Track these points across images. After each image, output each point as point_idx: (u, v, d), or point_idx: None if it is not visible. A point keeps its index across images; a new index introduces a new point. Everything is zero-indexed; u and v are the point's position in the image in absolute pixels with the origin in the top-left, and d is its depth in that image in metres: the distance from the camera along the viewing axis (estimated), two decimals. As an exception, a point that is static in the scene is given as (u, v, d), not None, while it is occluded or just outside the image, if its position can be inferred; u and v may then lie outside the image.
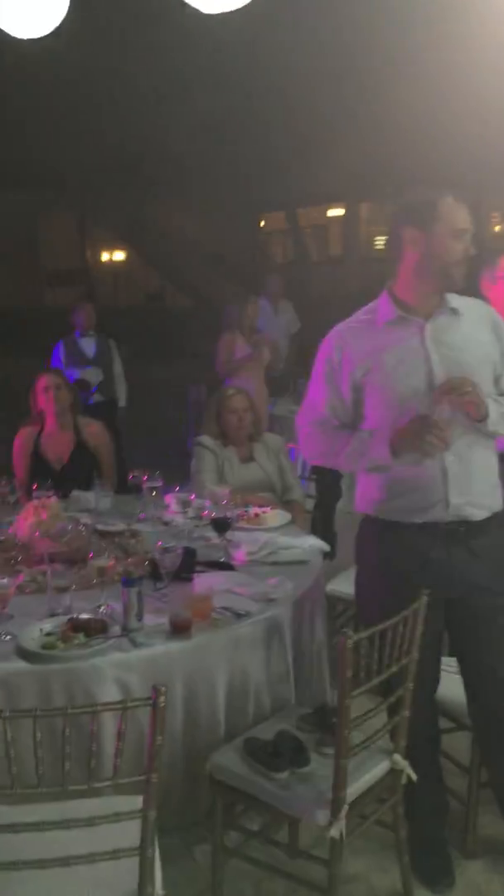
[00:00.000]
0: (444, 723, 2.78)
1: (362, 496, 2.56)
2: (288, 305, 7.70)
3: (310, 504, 4.40)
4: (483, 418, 2.34)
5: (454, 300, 2.45)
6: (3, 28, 2.82)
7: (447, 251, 2.35)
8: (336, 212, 19.52)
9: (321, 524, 4.32)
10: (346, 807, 2.20)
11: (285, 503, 3.99)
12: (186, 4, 2.89)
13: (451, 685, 2.67)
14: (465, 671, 2.59)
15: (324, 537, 3.55)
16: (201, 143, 14.76)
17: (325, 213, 20.16)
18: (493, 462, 2.50)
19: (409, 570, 2.43)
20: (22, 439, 4.13)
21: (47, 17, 2.79)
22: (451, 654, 2.67)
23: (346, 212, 17.42)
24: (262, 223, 20.78)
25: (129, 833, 1.91)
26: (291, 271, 15.08)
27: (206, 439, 4.07)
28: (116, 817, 1.87)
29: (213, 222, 20.11)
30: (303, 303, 8.60)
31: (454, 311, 2.44)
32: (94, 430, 4.21)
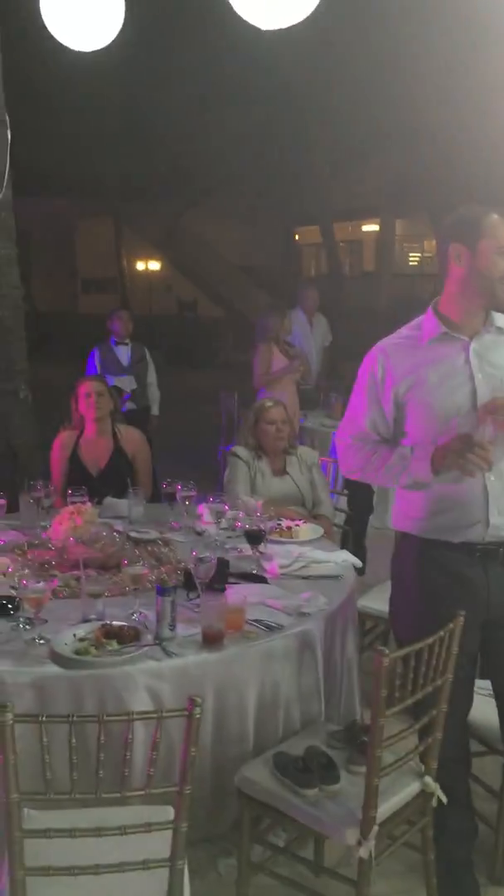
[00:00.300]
0: (475, 746, 2.74)
1: (400, 513, 2.54)
2: (322, 319, 7.71)
3: (340, 518, 4.38)
4: (526, 440, 2.31)
5: (500, 319, 2.44)
6: (59, 40, 2.86)
7: (492, 267, 2.34)
8: (370, 227, 19.54)
9: (352, 539, 4.30)
10: (376, 827, 2.18)
11: (314, 517, 3.97)
12: (228, 20, 2.91)
13: (484, 708, 2.64)
14: (498, 694, 2.56)
15: (354, 552, 3.53)
16: (239, 156, 14.88)
17: (360, 228, 20.20)
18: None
19: (446, 590, 2.40)
20: (61, 443, 4.16)
21: (104, 31, 2.83)
22: (484, 677, 2.64)
23: (380, 227, 17.40)
24: (297, 236, 20.85)
25: (159, 844, 1.90)
26: (324, 285, 15.11)
27: (240, 450, 4.06)
28: (148, 827, 1.86)
29: (247, 234, 20.24)
30: (335, 317, 8.61)
31: (500, 330, 2.42)
32: (133, 438, 4.23)
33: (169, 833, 1.90)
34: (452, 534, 2.40)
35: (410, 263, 21.43)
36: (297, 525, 3.59)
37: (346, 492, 4.59)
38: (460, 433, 2.28)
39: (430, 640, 2.22)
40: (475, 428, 2.28)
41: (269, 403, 4.12)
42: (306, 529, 3.56)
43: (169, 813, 1.94)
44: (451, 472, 2.30)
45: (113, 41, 3.09)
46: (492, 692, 2.59)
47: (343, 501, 4.57)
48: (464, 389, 2.36)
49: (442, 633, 2.26)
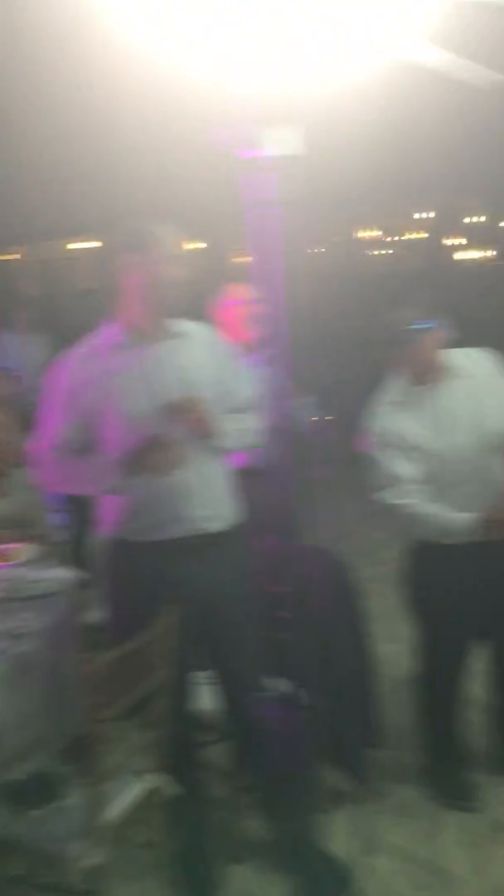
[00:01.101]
0: (204, 735, 2.83)
1: (103, 519, 2.58)
2: (38, 338, 7.55)
3: (62, 534, 4.32)
4: (210, 435, 2.45)
5: (178, 324, 2.55)
6: None
7: (160, 275, 2.45)
8: (88, 244, 19.49)
9: (75, 553, 4.26)
10: (105, 833, 2.18)
11: (33, 537, 3.88)
12: None
13: (209, 697, 2.73)
14: (218, 680, 2.66)
15: (78, 567, 3.50)
16: None
17: (70, 246, 20.08)
18: (226, 475, 2.61)
19: (153, 588, 2.46)
20: None
21: None
22: (205, 667, 2.73)
23: (101, 245, 17.47)
24: (7, 258, 20.27)
25: None
26: (41, 305, 14.82)
27: None
28: None
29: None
30: (56, 334, 8.48)
31: (178, 335, 2.54)
32: None
33: None
34: (153, 532, 2.47)
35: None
36: (14, 547, 3.49)
37: (68, 507, 4.54)
38: (148, 435, 2.36)
39: (141, 639, 2.27)
40: (163, 429, 2.38)
41: None
42: (22, 550, 3.47)
43: None
44: (146, 474, 2.37)
45: None
46: (215, 681, 2.69)
47: (65, 517, 4.51)
48: (148, 393, 2.44)
49: (152, 630, 2.31)
